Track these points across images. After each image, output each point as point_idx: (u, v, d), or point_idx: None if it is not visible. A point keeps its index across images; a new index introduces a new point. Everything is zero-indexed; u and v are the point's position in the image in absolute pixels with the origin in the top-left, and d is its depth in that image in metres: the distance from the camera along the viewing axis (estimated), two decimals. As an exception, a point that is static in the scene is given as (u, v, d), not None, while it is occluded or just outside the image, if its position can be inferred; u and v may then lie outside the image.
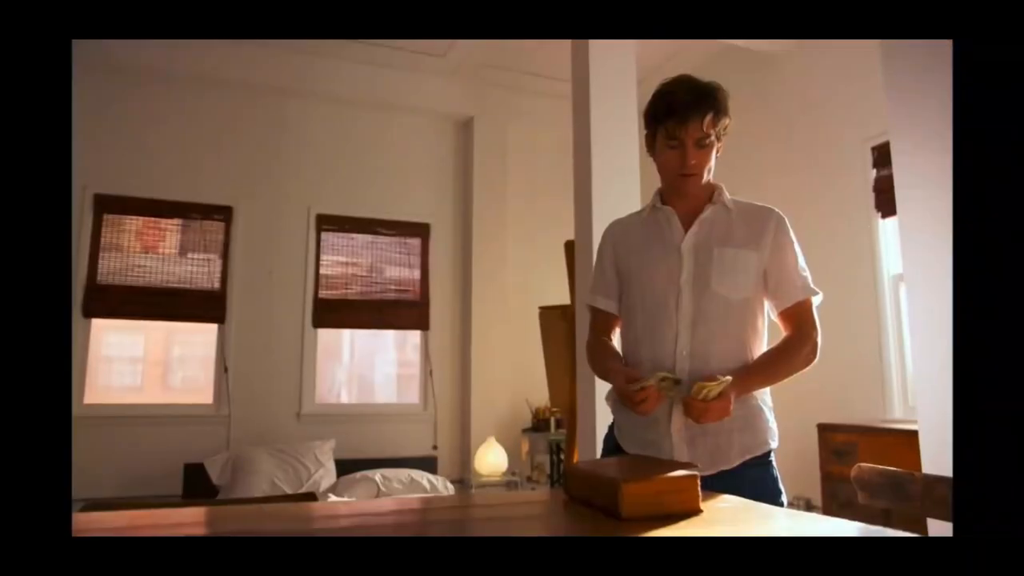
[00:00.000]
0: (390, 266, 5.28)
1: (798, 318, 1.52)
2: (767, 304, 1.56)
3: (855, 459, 3.23)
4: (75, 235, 4.45)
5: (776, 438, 1.53)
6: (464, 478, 4.79)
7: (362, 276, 5.19)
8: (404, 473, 4.31)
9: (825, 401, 3.89)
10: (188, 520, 1.10)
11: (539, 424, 4.96)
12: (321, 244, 5.06)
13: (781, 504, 1.48)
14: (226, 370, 4.61)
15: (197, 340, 4.92)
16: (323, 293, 5.01)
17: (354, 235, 5.18)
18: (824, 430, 3.56)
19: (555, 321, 3.39)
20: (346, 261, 5.16)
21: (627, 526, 0.93)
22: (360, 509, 1.33)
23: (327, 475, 4.32)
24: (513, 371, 5.18)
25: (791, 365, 1.49)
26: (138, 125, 4.71)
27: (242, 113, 4.97)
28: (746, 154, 4.75)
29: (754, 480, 1.46)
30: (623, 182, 3.21)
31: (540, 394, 4.91)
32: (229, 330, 4.70)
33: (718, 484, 1.30)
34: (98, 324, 4.57)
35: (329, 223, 5.11)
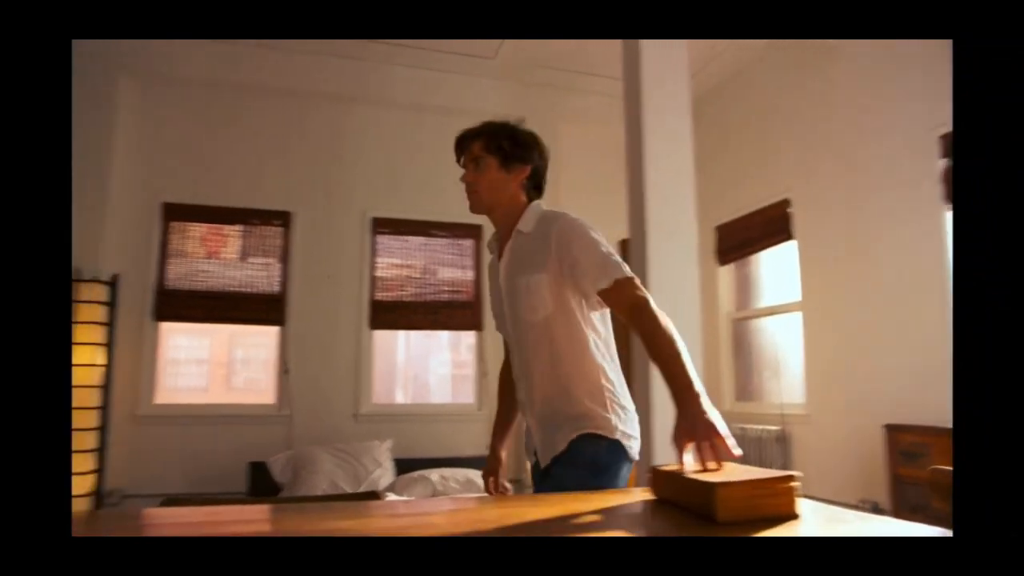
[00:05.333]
0: (443, 267, 5.32)
1: (615, 304, 1.55)
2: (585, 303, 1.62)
3: (928, 461, 3.11)
4: (146, 242, 4.64)
5: (613, 429, 1.57)
6: (520, 478, 4.80)
7: (416, 278, 5.25)
8: (461, 473, 4.34)
9: (892, 401, 3.76)
10: (263, 517, 1.13)
11: (594, 424, 4.92)
12: (376, 247, 5.15)
13: (592, 485, 1.47)
14: (287, 371, 4.72)
15: (259, 342, 5.06)
16: (379, 295, 5.09)
17: (408, 237, 5.25)
18: (892, 431, 3.44)
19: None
20: (400, 263, 5.23)
21: (726, 529, 0.90)
22: (425, 508, 1.35)
23: (385, 474, 4.39)
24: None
25: (654, 344, 1.43)
26: (201, 135, 4.88)
27: (300, 121, 5.09)
28: (808, 145, 4.62)
29: (557, 476, 1.56)
30: (677, 179, 3.17)
31: (595, 394, 4.88)
32: (289, 332, 4.82)
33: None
34: (166, 327, 4.74)
35: (384, 226, 5.19)
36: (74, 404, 4.08)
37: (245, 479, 4.35)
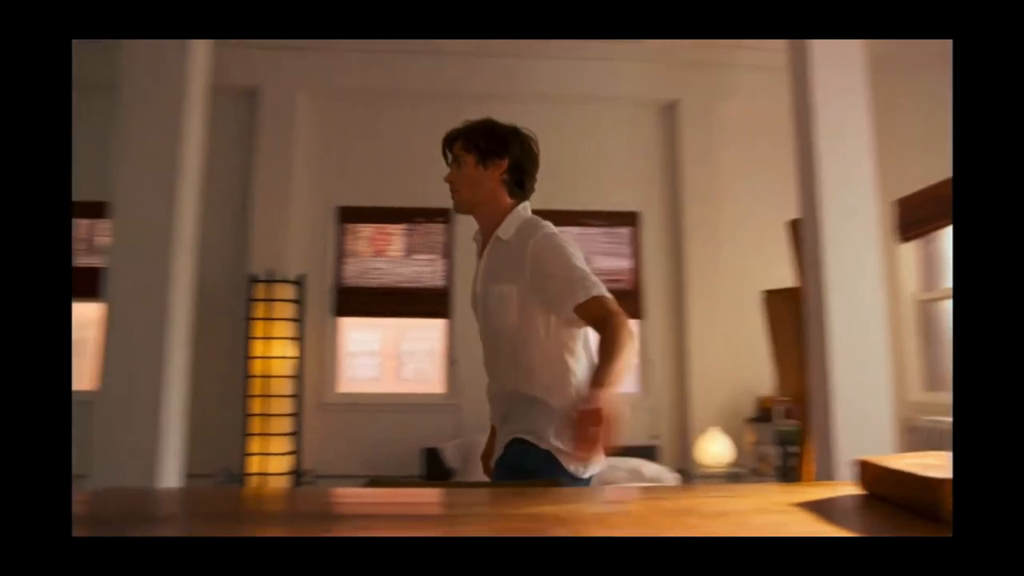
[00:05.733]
0: (599, 256, 5.31)
1: (588, 318, 1.56)
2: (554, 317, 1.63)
3: None
4: (324, 244, 5.05)
5: (549, 444, 1.57)
6: (685, 468, 4.71)
7: (573, 268, 5.28)
8: (628, 461, 4.32)
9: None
10: (457, 500, 1.20)
11: (764, 414, 4.72)
12: (533, 239, 5.23)
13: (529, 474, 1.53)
14: (454, 362, 4.94)
15: (424, 336, 5.32)
16: (537, 286, 5.18)
17: (563, 228, 5.26)
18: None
19: (781, 305, 3.21)
20: (557, 254, 5.28)
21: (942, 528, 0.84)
22: (623, 496, 1.36)
23: (550, 462, 4.47)
24: (733, 358, 4.99)
25: (610, 359, 1.45)
26: (367, 142, 5.22)
27: (455, 121, 5.28)
28: None
29: (496, 477, 1.65)
30: (851, 153, 2.95)
31: (763, 382, 4.68)
32: (455, 325, 5.04)
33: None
34: (345, 322, 5.13)
35: (541, 217, 5.26)
36: (271, 393, 4.53)
37: (419, 463, 4.62)
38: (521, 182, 1.79)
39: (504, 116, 5.78)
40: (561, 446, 1.56)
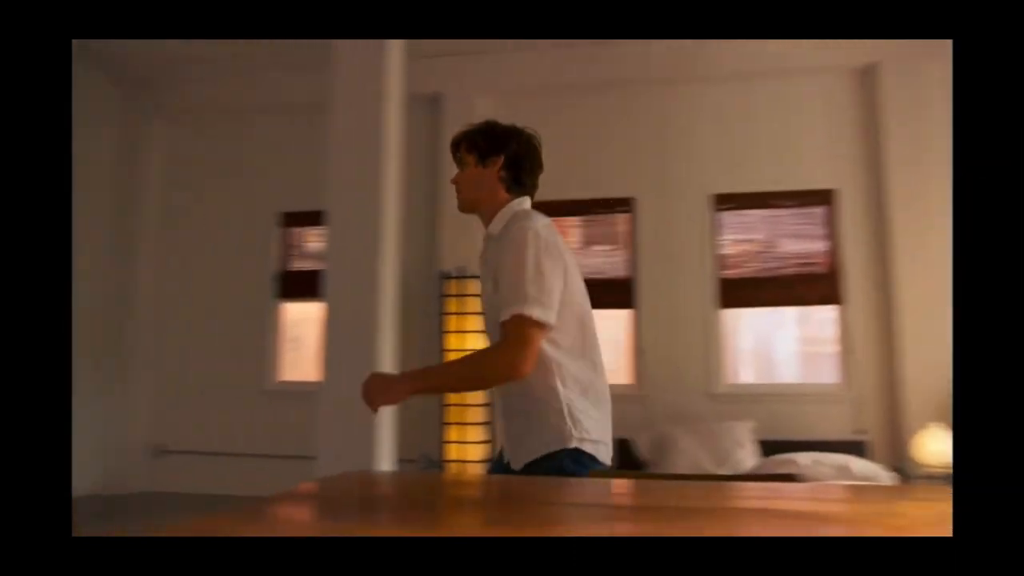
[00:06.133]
0: (789, 239, 5.01)
1: (502, 327, 1.54)
2: None
3: None
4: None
5: (569, 438, 1.55)
6: (902, 467, 4.31)
7: (761, 252, 5.02)
8: (832, 457, 4.04)
9: None
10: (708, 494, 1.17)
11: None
12: (719, 224, 5.04)
13: None
14: (642, 352, 4.89)
15: (605, 326, 5.31)
16: (724, 273, 4.99)
17: (751, 211, 5.05)
18: None
19: None
20: (743, 239, 5.05)
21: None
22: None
23: (748, 456, 4.29)
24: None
25: (480, 370, 1.58)
26: (545, 138, 5.27)
27: (633, 108, 5.21)
28: None
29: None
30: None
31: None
32: (640, 315, 4.97)
33: None
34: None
35: (726, 202, 5.06)
36: (464, 384, 4.73)
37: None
38: (519, 179, 1.78)
39: (677, 100, 5.57)
40: (587, 436, 1.56)
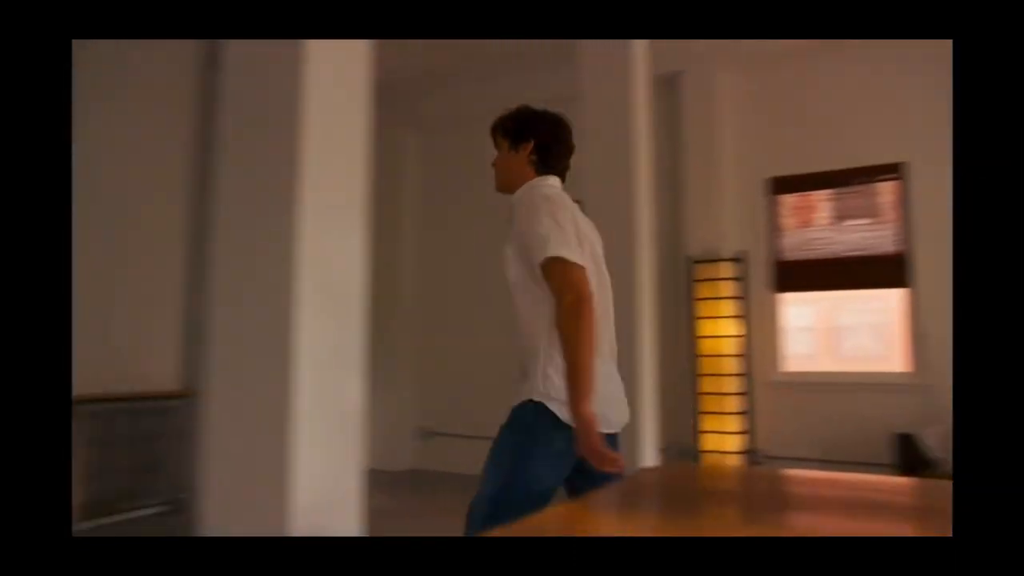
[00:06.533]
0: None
1: (548, 284, 1.64)
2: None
3: None
4: (756, 218, 4.91)
5: (536, 392, 1.64)
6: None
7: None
8: None
9: None
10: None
11: None
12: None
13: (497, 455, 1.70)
14: (922, 337, 4.36)
15: (867, 308, 4.81)
16: None
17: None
18: None
19: None
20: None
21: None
22: None
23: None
24: None
25: (564, 336, 1.59)
26: (793, 106, 4.90)
27: (905, 66, 4.65)
28: None
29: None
30: None
31: None
32: (919, 295, 4.44)
33: None
34: (783, 297, 4.91)
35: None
36: (715, 371, 4.58)
37: (887, 450, 4.18)
38: (548, 162, 1.85)
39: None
40: (555, 396, 1.61)
